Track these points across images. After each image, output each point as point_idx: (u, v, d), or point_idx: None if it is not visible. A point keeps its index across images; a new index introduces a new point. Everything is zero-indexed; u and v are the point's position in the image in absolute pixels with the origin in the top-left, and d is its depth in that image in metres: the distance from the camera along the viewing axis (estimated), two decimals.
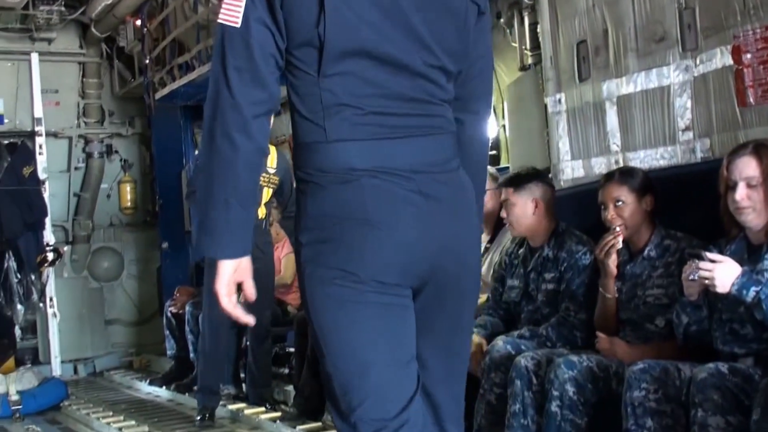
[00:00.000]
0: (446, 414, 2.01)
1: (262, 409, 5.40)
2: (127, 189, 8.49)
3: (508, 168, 4.72)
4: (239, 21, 1.82)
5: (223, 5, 1.85)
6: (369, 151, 1.82)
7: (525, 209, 3.79)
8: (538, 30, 4.49)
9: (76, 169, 8.29)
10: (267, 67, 1.82)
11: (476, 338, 3.82)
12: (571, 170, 4.30)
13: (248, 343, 5.72)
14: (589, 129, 4.26)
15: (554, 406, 3.13)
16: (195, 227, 2.53)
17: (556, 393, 3.13)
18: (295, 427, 4.88)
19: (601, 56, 4.17)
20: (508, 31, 4.86)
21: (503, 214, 3.86)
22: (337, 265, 1.82)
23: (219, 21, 1.86)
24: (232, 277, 1.89)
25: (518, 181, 3.85)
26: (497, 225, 4.48)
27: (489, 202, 4.47)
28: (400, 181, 1.82)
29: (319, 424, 4.99)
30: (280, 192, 5.55)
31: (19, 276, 7.59)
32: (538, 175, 3.90)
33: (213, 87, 1.87)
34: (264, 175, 5.45)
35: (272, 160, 5.48)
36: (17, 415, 5.95)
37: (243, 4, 1.82)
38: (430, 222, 1.85)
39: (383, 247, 1.81)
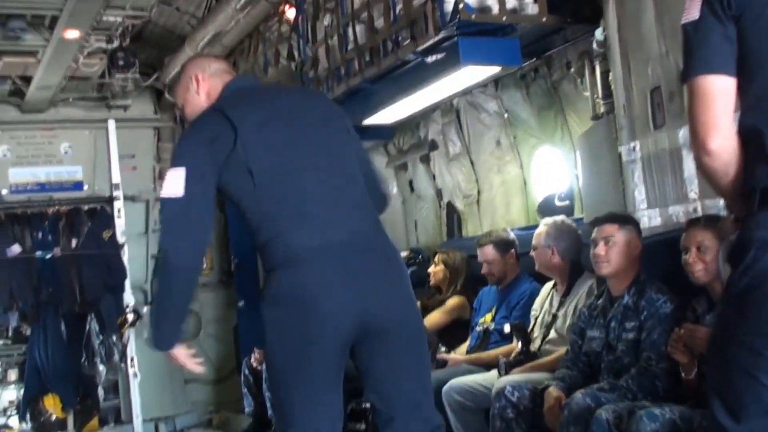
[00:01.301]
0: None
1: None
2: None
3: (582, 219, 4.66)
4: None
5: None
6: None
7: (625, 248, 3.74)
8: (610, 78, 4.45)
9: (153, 231, 8.43)
10: None
11: (554, 392, 3.76)
12: (647, 219, 4.22)
13: None
14: (666, 177, 4.18)
15: None
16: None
17: None
18: None
19: (675, 102, 4.10)
20: (579, 80, 4.83)
21: (600, 250, 3.76)
22: None
23: None
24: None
25: (624, 219, 3.81)
26: (572, 276, 4.43)
27: (555, 256, 4.43)
28: None
29: None
30: None
31: (101, 337, 7.75)
32: (633, 220, 3.88)
33: None
34: None
35: None
36: None
37: None
38: None
39: None
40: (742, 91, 2.03)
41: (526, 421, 3.93)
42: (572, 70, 4.88)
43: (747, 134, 2.02)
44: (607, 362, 3.78)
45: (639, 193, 4.29)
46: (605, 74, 4.50)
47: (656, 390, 3.48)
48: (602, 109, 4.56)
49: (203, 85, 3.13)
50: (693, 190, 4.02)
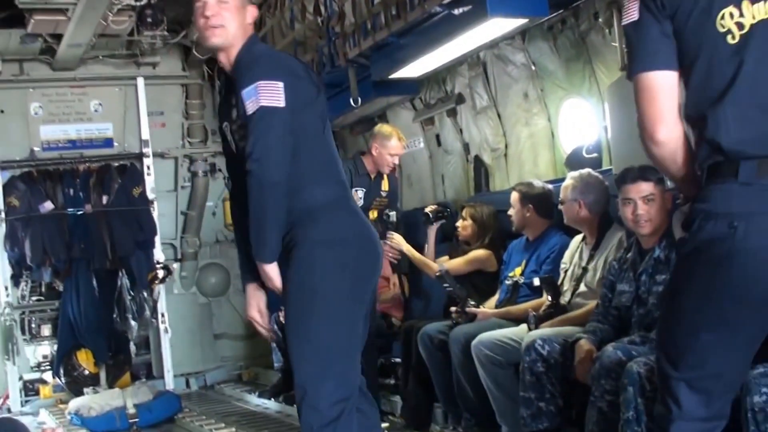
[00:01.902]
0: None
1: None
2: (229, 206, 8.66)
3: (611, 170, 4.61)
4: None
5: None
6: None
7: (662, 203, 3.70)
8: None
9: (182, 188, 8.50)
10: None
11: (586, 345, 3.75)
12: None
13: None
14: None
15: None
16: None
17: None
18: None
19: None
20: (607, 30, 4.75)
21: (642, 209, 3.70)
22: None
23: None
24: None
25: (656, 172, 3.70)
26: (601, 229, 4.39)
27: (582, 210, 4.39)
28: None
29: None
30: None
31: (132, 293, 7.85)
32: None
33: None
34: (377, 198, 5.81)
35: (385, 183, 5.80)
36: (134, 427, 6.16)
37: None
38: None
39: None
40: (684, 82, 2.20)
41: (557, 375, 3.92)
42: (600, 20, 4.80)
43: (691, 122, 2.19)
44: (638, 316, 3.75)
45: None
46: None
47: None
48: None
49: (251, 20, 3.12)
50: None
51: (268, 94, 2.85)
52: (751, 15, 2.12)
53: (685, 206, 2.29)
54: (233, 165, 3.15)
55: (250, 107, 2.85)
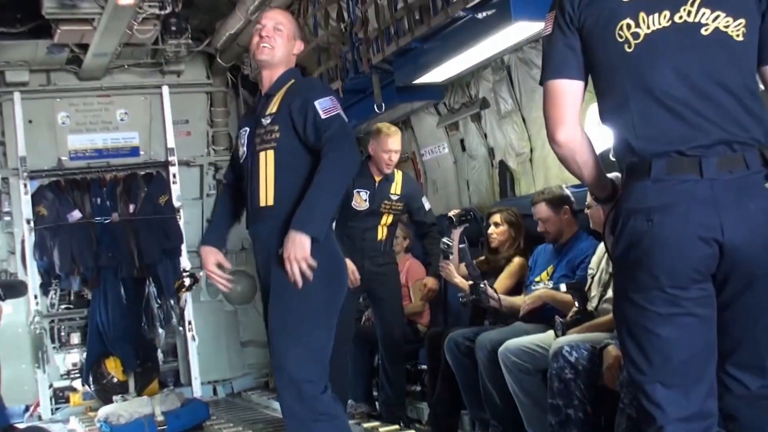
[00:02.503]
0: None
1: (396, 427, 5.40)
2: None
3: None
4: None
5: None
6: None
7: None
8: None
9: (207, 195, 8.55)
10: None
11: (614, 351, 3.70)
12: None
13: (380, 361, 5.74)
14: None
15: None
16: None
17: None
18: None
19: None
20: None
21: None
22: None
23: None
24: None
25: None
26: None
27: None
28: None
29: None
30: (409, 215, 5.75)
31: (159, 301, 7.90)
32: None
33: None
34: (386, 201, 5.55)
35: (396, 187, 5.59)
36: None
37: None
38: None
39: None
40: (598, 93, 2.42)
41: (585, 382, 3.87)
42: None
43: (607, 126, 2.41)
44: None
45: None
46: None
47: None
48: None
49: (296, 52, 3.68)
50: None
51: (339, 107, 3.43)
52: (647, 25, 2.31)
53: (608, 214, 2.44)
54: (238, 165, 3.64)
55: (328, 112, 3.37)
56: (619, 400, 3.49)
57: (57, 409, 7.70)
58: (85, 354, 7.82)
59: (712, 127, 2.26)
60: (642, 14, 2.31)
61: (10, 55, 7.49)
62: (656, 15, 2.30)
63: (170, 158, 8.14)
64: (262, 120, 3.46)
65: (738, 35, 2.29)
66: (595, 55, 2.37)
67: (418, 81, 5.81)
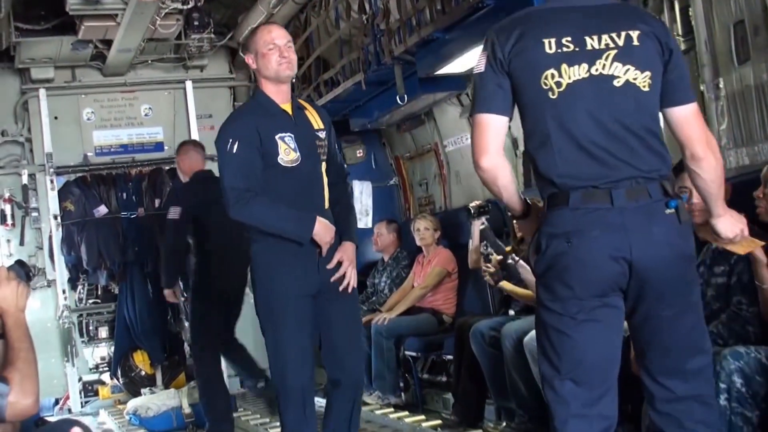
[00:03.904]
0: None
1: (423, 417, 5.41)
2: None
3: None
4: None
5: None
6: None
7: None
8: (690, 13, 4.29)
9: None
10: None
11: None
12: (735, 158, 4.08)
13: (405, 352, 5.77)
14: (752, 114, 4.04)
15: (722, 399, 3.04)
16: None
17: (723, 385, 3.05)
18: None
19: (761, 35, 3.95)
20: (657, 17, 4.66)
21: (695, 198, 3.55)
22: None
23: None
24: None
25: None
26: None
27: None
28: None
29: (479, 430, 4.97)
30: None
31: (185, 295, 7.92)
32: None
33: None
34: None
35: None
36: (191, 427, 6.23)
37: None
38: None
39: None
40: (525, 130, 2.72)
41: None
42: (649, 6, 4.70)
43: (529, 158, 2.73)
44: None
45: (724, 132, 4.15)
46: (684, 9, 4.34)
47: (747, 335, 3.38)
48: (683, 47, 4.38)
49: None
50: None
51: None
52: (568, 76, 2.60)
53: (532, 237, 2.75)
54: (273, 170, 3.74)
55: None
56: (645, 394, 3.48)
57: (86, 402, 7.78)
58: (113, 348, 7.91)
59: (621, 164, 2.59)
60: (564, 66, 2.60)
61: (35, 53, 7.55)
62: (576, 67, 2.60)
63: None
64: (318, 132, 3.84)
65: (645, 86, 2.62)
66: (522, 97, 2.66)
67: (440, 72, 5.79)
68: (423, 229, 6.38)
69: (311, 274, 3.72)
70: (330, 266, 3.75)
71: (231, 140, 3.67)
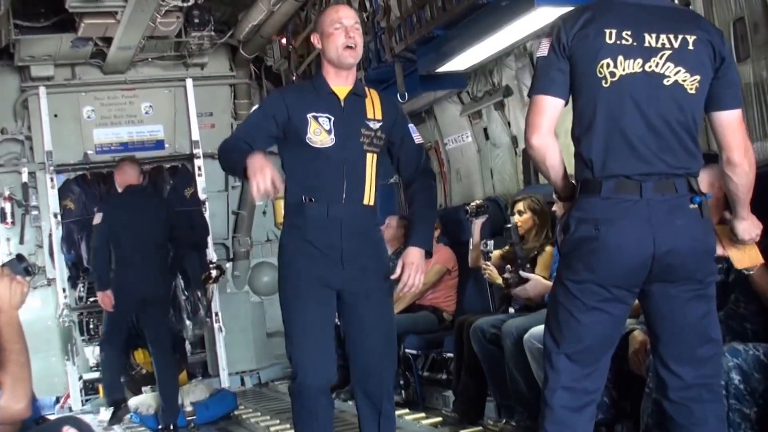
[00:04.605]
0: None
1: (423, 414, 5.42)
2: (281, 205, 8.64)
3: None
4: None
5: None
6: None
7: (710, 188, 3.59)
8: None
9: (232, 188, 8.59)
10: None
11: (639, 336, 3.69)
12: None
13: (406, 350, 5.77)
14: (751, 112, 4.04)
15: None
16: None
17: (722, 382, 3.01)
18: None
19: (760, 33, 3.97)
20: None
21: None
22: None
23: None
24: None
25: (707, 158, 3.64)
26: None
27: None
28: None
29: (479, 428, 4.96)
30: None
31: (186, 293, 7.93)
32: (714, 158, 3.72)
33: None
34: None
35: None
36: (192, 425, 6.25)
37: None
38: None
39: None
40: (575, 112, 2.83)
41: (611, 367, 3.84)
42: None
43: (575, 142, 2.83)
44: None
45: None
46: (685, 6, 4.33)
47: (745, 332, 3.39)
48: None
49: None
50: None
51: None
52: (623, 68, 2.73)
53: (562, 217, 2.91)
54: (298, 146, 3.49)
55: (418, 139, 3.69)
56: (644, 385, 3.46)
57: (87, 400, 7.79)
58: None
59: (656, 159, 2.74)
60: (620, 57, 2.74)
61: (35, 50, 7.56)
62: (631, 61, 2.74)
63: (195, 151, 8.21)
64: (369, 122, 3.55)
65: (692, 89, 2.76)
66: (577, 81, 2.79)
67: (440, 69, 5.79)
68: None
69: (333, 266, 3.45)
70: (394, 276, 3.54)
71: (257, 107, 3.72)
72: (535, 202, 5.16)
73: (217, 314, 8.10)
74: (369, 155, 3.53)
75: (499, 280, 5.15)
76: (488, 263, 5.18)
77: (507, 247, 5.29)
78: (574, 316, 2.81)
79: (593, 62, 2.74)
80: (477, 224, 5.51)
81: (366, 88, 3.64)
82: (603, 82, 2.74)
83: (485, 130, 6.62)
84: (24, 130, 8.00)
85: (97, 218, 6.24)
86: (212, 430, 6.19)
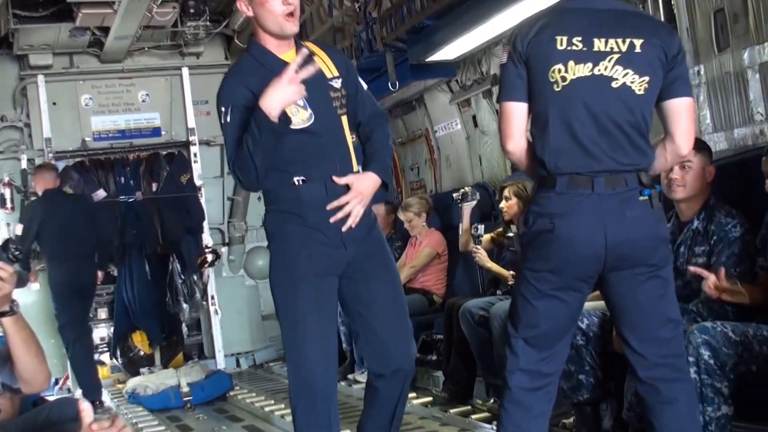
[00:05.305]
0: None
1: (414, 394, 5.51)
2: None
3: None
4: None
5: None
6: None
7: (700, 172, 3.70)
8: (672, 1, 4.39)
9: (228, 174, 8.63)
10: None
11: None
12: (713, 143, 4.20)
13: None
14: (731, 100, 4.13)
15: (692, 373, 3.11)
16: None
17: (692, 359, 3.12)
18: (446, 411, 4.99)
19: (740, 23, 4.04)
20: (640, 6, 4.78)
21: (676, 174, 3.67)
22: None
23: None
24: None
25: (699, 144, 3.71)
26: None
27: None
28: None
29: (468, 407, 5.07)
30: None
31: (182, 277, 8.08)
32: (707, 146, 3.82)
33: None
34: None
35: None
36: (188, 405, 6.36)
37: None
38: None
39: None
40: (531, 115, 2.97)
41: (595, 348, 3.93)
42: None
43: (530, 142, 3.00)
44: (676, 287, 3.73)
45: (704, 117, 4.25)
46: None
47: (726, 313, 3.46)
48: None
49: None
50: (759, 111, 3.98)
51: None
52: (573, 72, 2.86)
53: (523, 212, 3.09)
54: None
55: (366, 86, 3.35)
56: (627, 365, 3.59)
57: None
58: (112, 329, 8.06)
59: (605, 157, 2.87)
60: (571, 62, 2.86)
61: (33, 39, 7.65)
62: (581, 65, 2.86)
63: (191, 138, 8.32)
64: (331, 82, 3.17)
65: (640, 90, 2.88)
66: (533, 86, 2.93)
67: (430, 58, 5.90)
68: (407, 222, 6.46)
69: (335, 249, 3.11)
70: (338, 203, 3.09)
71: (224, 109, 3.07)
72: (521, 188, 5.24)
73: (213, 297, 8.23)
74: (343, 118, 3.19)
75: (489, 263, 5.28)
76: (478, 247, 5.29)
77: (499, 230, 5.41)
78: (530, 303, 2.96)
79: (546, 68, 2.87)
80: (467, 209, 5.60)
81: (305, 44, 3.18)
82: (555, 86, 2.87)
83: (474, 117, 6.72)
84: (23, 118, 8.09)
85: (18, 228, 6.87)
86: (208, 411, 6.24)
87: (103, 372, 7.94)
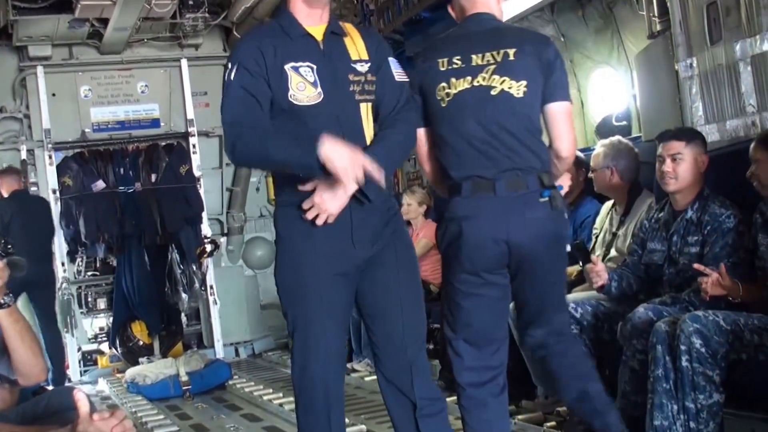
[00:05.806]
0: None
1: None
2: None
3: (640, 137, 4.69)
4: None
5: None
6: None
7: (693, 163, 3.73)
8: None
9: (227, 165, 8.71)
10: None
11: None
12: (706, 135, 4.24)
13: None
14: (723, 91, 4.17)
15: (684, 361, 3.17)
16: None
17: (683, 347, 3.18)
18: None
19: (732, 16, 4.08)
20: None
21: (668, 167, 3.73)
22: None
23: None
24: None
25: (691, 134, 3.80)
26: (631, 196, 4.45)
27: (614, 177, 4.43)
28: None
29: None
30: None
31: (181, 267, 8.13)
32: (700, 135, 3.87)
33: None
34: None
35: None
36: (187, 394, 6.40)
37: None
38: None
39: None
40: (430, 135, 3.26)
41: (590, 336, 3.99)
42: None
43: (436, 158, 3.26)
44: (669, 276, 3.78)
45: (696, 109, 4.30)
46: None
47: (718, 303, 3.46)
48: (658, 27, 4.55)
49: None
50: (751, 103, 4.01)
51: None
52: (455, 87, 3.12)
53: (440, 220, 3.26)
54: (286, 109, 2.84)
55: (401, 75, 2.98)
56: (621, 353, 3.61)
57: (86, 371, 8.00)
58: (111, 318, 8.12)
59: (502, 158, 3.09)
60: (452, 79, 3.13)
61: (32, 30, 7.67)
62: (462, 80, 3.12)
63: (190, 129, 8.36)
64: (354, 65, 2.89)
65: (519, 93, 3.11)
66: (426, 109, 3.20)
67: None
68: (406, 204, 6.51)
69: (344, 248, 2.84)
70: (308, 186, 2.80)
71: (230, 65, 2.85)
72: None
73: (211, 287, 8.28)
74: (363, 105, 2.88)
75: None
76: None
77: None
78: (459, 304, 3.17)
79: (432, 89, 3.16)
80: None
81: (342, 24, 2.97)
82: (441, 103, 3.14)
83: None
84: (22, 109, 8.13)
85: None
86: (207, 400, 6.27)
87: (102, 361, 8.01)
